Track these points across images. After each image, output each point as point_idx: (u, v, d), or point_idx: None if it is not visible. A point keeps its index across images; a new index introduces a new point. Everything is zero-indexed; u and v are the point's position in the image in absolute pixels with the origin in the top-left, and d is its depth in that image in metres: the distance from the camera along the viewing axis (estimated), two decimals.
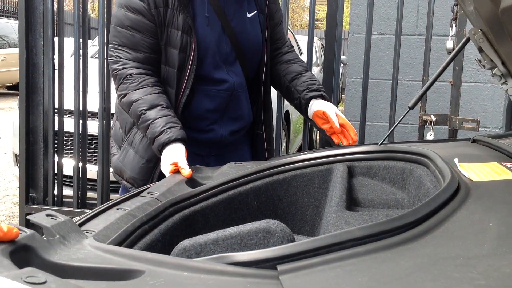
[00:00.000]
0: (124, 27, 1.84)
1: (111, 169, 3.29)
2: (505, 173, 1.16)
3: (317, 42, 9.41)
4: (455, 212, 0.92)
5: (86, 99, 3.25)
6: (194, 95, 1.91)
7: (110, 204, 1.37)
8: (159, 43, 1.85)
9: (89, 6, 15.96)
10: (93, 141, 3.51)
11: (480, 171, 1.18)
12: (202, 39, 1.85)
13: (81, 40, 3.25)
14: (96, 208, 1.34)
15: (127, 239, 1.16)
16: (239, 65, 1.97)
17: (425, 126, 2.80)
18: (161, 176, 1.79)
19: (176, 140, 1.75)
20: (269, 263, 0.80)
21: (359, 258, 0.79)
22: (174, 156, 1.70)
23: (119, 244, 1.13)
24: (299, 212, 1.58)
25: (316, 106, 1.94)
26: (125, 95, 1.85)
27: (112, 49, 1.89)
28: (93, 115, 3.44)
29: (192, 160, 1.79)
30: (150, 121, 1.78)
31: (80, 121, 3.25)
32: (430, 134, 2.62)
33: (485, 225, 0.87)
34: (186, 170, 1.60)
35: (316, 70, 7.30)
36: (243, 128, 2.06)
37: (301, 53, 7.09)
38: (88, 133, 3.36)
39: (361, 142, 2.95)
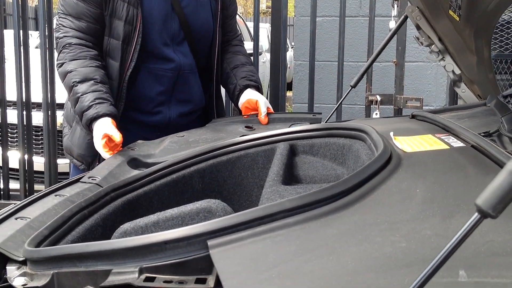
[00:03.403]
0: None
1: (59, 160, 3.25)
2: (437, 143, 1.19)
3: (269, 29, 9.39)
4: (385, 181, 0.94)
5: (29, 90, 3.17)
6: (139, 74, 1.90)
7: (48, 190, 1.34)
8: (103, 14, 1.83)
9: None
10: (40, 133, 3.42)
11: (413, 143, 1.21)
12: (148, 12, 1.85)
13: (21, 31, 3.17)
14: (34, 195, 1.31)
15: (64, 225, 1.14)
16: (187, 46, 1.96)
17: (371, 106, 2.85)
18: None
19: (105, 115, 1.73)
20: (200, 238, 0.80)
21: (289, 228, 0.80)
22: (103, 129, 1.69)
23: (56, 229, 1.11)
24: (244, 192, 1.59)
25: (250, 94, 1.96)
26: (62, 64, 1.84)
27: (57, 18, 1.89)
28: (38, 106, 3.35)
29: None
30: (80, 94, 1.77)
31: (24, 112, 3.17)
32: (376, 114, 2.66)
33: (412, 192, 0.89)
34: (117, 135, 1.62)
35: (268, 56, 7.29)
36: (194, 111, 2.06)
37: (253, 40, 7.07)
38: (34, 124, 3.28)
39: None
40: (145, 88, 1.92)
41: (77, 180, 1.45)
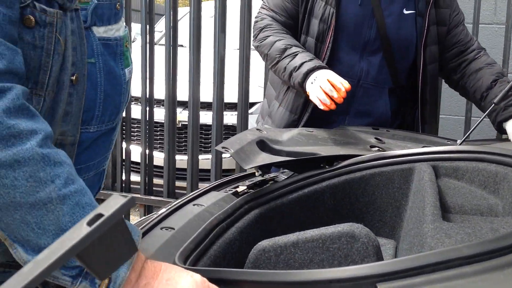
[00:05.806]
0: None
1: (177, 157, 3.32)
2: None
3: None
4: None
5: (153, 86, 3.27)
6: None
7: (186, 199, 1.35)
8: (298, 11, 1.93)
9: None
10: (159, 129, 3.53)
11: None
12: (343, 13, 1.86)
13: (148, 26, 3.26)
14: (173, 204, 1.32)
15: (206, 238, 1.14)
16: (382, 57, 1.90)
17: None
18: None
19: (325, 67, 1.80)
20: (369, 280, 0.75)
21: (468, 279, 0.73)
22: (328, 75, 1.75)
23: (200, 242, 1.11)
24: (377, 212, 1.52)
25: None
26: (267, 37, 1.94)
27: (260, 9, 2.07)
28: (158, 102, 3.44)
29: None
30: (298, 52, 1.86)
31: (147, 108, 3.27)
32: None
33: None
34: (345, 84, 1.71)
35: None
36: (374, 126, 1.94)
37: None
38: (156, 120, 3.37)
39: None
40: None
41: (210, 190, 1.45)
